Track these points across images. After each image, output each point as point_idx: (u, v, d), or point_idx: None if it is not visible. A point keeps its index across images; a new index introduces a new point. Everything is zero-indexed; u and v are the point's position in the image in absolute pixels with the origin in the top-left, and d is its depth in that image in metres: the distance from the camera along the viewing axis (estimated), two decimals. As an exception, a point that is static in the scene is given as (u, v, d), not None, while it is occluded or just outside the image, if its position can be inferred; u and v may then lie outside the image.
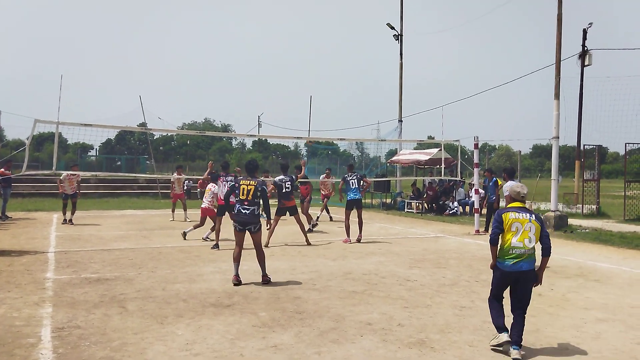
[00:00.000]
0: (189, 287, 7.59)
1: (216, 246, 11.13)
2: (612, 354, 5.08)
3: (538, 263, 5.21)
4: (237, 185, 8.03)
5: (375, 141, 25.91)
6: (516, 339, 4.99)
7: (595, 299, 7.17)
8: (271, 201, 8.81)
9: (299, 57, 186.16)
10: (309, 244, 11.82)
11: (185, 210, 17.27)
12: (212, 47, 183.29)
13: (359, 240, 12.33)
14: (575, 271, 9.08)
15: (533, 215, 5.14)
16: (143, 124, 29.72)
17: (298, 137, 19.24)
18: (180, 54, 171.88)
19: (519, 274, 5.05)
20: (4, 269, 8.77)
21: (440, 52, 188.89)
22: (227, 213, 11.19)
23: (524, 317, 5.10)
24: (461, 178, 19.65)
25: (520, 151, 26.83)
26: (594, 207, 19.40)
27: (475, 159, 15.10)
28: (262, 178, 14.02)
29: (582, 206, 19.56)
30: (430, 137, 43.69)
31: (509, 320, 5.14)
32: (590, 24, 22.73)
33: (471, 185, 17.76)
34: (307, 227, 13.57)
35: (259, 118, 64.95)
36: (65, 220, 15.55)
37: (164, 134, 65.58)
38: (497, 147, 78.53)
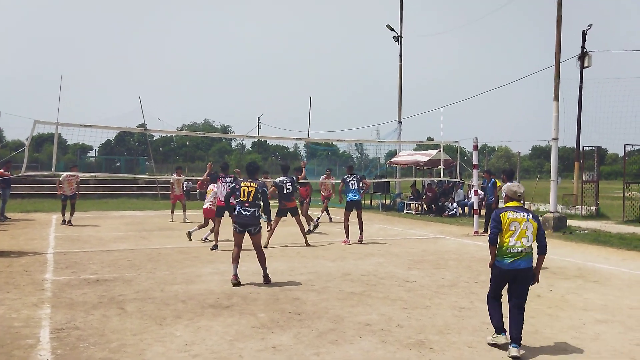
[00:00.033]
0: (188, 288, 7.59)
1: (215, 247, 11.13)
2: (611, 355, 5.08)
3: (534, 263, 5.27)
4: (237, 186, 8.05)
5: (375, 142, 25.93)
6: (515, 336, 5.04)
7: (594, 300, 7.17)
8: (271, 202, 8.82)
9: (299, 58, 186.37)
10: (308, 245, 11.82)
11: (184, 211, 17.26)
12: (211, 47, 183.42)
13: (360, 242, 12.33)
14: (575, 272, 9.08)
15: (530, 215, 5.22)
16: (142, 125, 29.72)
17: (297, 139, 19.32)
18: (180, 55, 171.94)
19: (516, 272, 5.13)
20: (3, 269, 8.76)
21: (440, 53, 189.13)
22: (226, 214, 11.20)
23: (522, 315, 5.15)
24: (460, 179, 19.64)
25: (519, 152, 26.90)
26: (593, 208, 19.41)
27: (475, 160, 15.10)
28: (262, 179, 14.04)
29: (582, 207, 19.58)
30: (429, 139, 43.73)
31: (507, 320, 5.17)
32: (590, 25, 22.73)
33: (470, 186, 17.76)
34: (306, 228, 13.57)
35: (258, 119, 64.88)
36: (64, 221, 15.55)
37: (164, 135, 65.59)
38: (496, 148, 78.68)
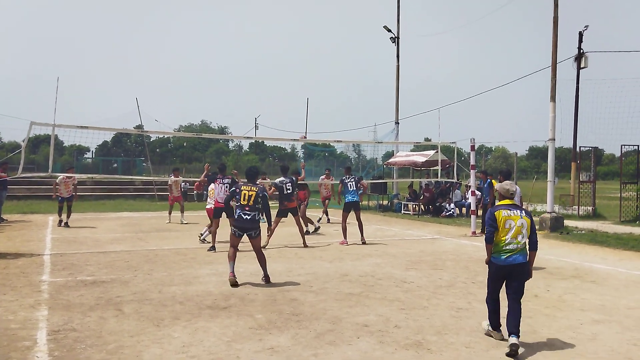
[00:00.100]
0: (185, 289, 7.58)
1: (212, 248, 11.12)
2: (609, 355, 5.09)
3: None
4: (237, 190, 8.08)
5: (372, 143, 25.92)
6: (513, 329, 5.15)
7: (592, 300, 7.19)
8: (271, 202, 8.82)
9: (297, 59, 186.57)
10: (306, 246, 11.82)
11: (182, 212, 17.23)
12: (209, 48, 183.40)
13: (363, 243, 12.32)
14: (572, 272, 9.10)
15: (523, 212, 5.41)
16: (139, 126, 29.68)
17: (295, 140, 19.25)
18: (178, 55, 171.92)
19: (512, 267, 5.29)
20: (0, 271, 8.73)
21: (438, 53, 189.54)
22: (223, 215, 11.19)
23: (520, 307, 5.28)
24: (458, 180, 19.67)
25: (516, 153, 26.80)
26: (590, 208, 19.45)
27: (472, 161, 15.12)
28: (260, 180, 14.05)
29: (578, 208, 19.62)
30: (427, 139, 43.80)
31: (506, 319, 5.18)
32: (586, 26, 22.81)
33: (468, 187, 17.78)
34: (304, 229, 13.56)
35: (255, 120, 64.97)
36: (60, 221, 15.50)
37: (161, 136, 65.56)
38: (493, 149, 78.67)
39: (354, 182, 12.62)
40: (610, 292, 7.64)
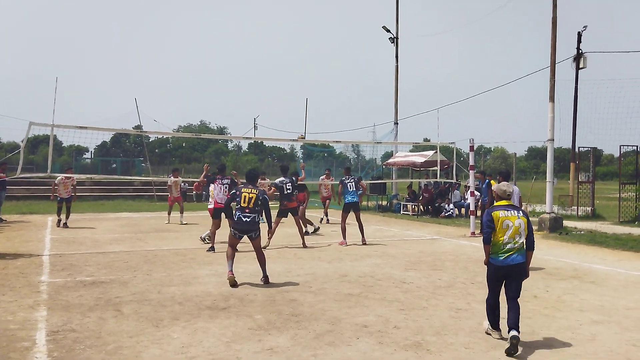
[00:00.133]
0: (185, 290, 7.58)
1: (212, 249, 11.12)
2: (608, 355, 5.09)
3: None
4: (237, 192, 8.09)
5: (371, 143, 25.94)
6: (512, 324, 5.21)
7: (591, 300, 7.19)
8: (271, 203, 8.83)
9: (296, 59, 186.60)
10: (305, 246, 11.82)
11: (181, 213, 17.20)
12: (209, 48, 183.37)
13: (364, 244, 12.32)
14: (571, 273, 9.11)
15: (520, 212, 5.50)
16: (138, 127, 29.68)
17: (294, 140, 19.25)
18: (177, 55, 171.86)
19: (510, 267, 5.35)
20: (-1, 272, 8.73)
21: (437, 54, 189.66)
22: (223, 216, 11.20)
23: (518, 305, 5.35)
24: (457, 180, 19.68)
25: (515, 153, 26.91)
26: (589, 209, 19.46)
27: (471, 161, 15.12)
28: (260, 180, 14.04)
29: (577, 208, 19.63)
30: (426, 140, 43.80)
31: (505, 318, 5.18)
32: (585, 27, 22.83)
33: (467, 187, 17.79)
34: (304, 230, 13.56)
35: (254, 120, 64.90)
36: (59, 221, 15.47)
37: (160, 136, 65.53)
38: (492, 149, 78.75)
39: (353, 183, 12.62)
40: (609, 293, 7.65)
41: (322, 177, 18.36)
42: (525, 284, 5.47)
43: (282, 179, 12.21)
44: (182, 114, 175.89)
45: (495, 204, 5.66)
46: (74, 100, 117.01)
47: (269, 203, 8.34)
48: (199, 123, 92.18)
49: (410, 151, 26.75)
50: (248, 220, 7.96)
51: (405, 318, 6.22)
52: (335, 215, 17.66)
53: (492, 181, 13.86)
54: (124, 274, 8.65)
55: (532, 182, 25.02)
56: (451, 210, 19.92)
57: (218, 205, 11.43)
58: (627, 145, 18.33)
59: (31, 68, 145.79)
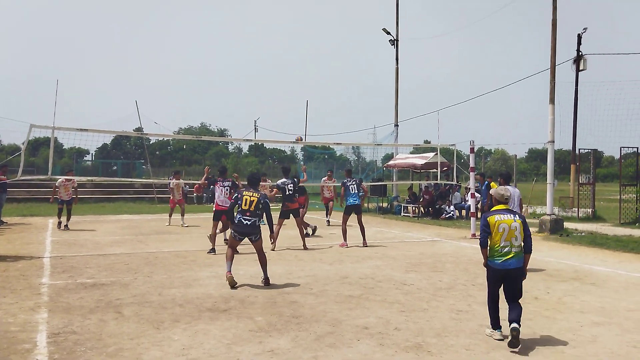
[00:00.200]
0: (185, 292, 7.58)
1: (212, 250, 11.12)
2: (608, 357, 5.09)
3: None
4: (239, 195, 8.14)
5: (372, 145, 25.96)
6: (512, 318, 5.33)
7: (592, 302, 7.19)
8: (272, 205, 8.85)
9: (296, 59, 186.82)
10: (305, 248, 11.82)
11: (182, 215, 17.19)
12: (209, 49, 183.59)
13: (365, 245, 12.31)
14: (571, 275, 9.10)
15: (517, 216, 5.58)
16: (139, 129, 29.70)
17: (294, 142, 19.25)
18: (178, 56, 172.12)
19: (507, 271, 5.47)
20: (0, 274, 8.74)
21: (437, 55, 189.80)
22: (224, 218, 11.22)
23: (519, 304, 5.46)
24: (457, 182, 19.68)
25: (515, 155, 26.88)
26: (589, 210, 19.46)
27: (471, 163, 15.12)
28: (261, 182, 14.04)
29: (578, 210, 19.63)
30: (426, 141, 43.82)
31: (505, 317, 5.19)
32: (585, 29, 22.86)
33: (467, 189, 17.80)
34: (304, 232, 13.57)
35: (255, 122, 65.00)
36: (60, 223, 15.45)
37: (160, 138, 65.58)
38: (492, 151, 78.73)
39: (355, 185, 12.62)
40: (610, 294, 7.64)
41: (324, 179, 18.35)
42: (526, 285, 5.49)
43: (284, 180, 12.23)
44: (183, 116, 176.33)
45: (493, 208, 5.76)
46: (75, 102, 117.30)
47: (271, 212, 8.38)
48: (200, 125, 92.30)
49: (411, 153, 26.76)
50: (249, 223, 8.00)
51: (406, 320, 6.23)
52: (336, 217, 17.66)
53: (492, 183, 13.91)
54: (124, 276, 8.66)
55: (532, 184, 25.05)
56: (452, 212, 19.92)
57: (219, 208, 11.44)
58: (628, 147, 18.32)
59: (31, 69, 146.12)
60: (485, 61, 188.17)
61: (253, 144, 66.34)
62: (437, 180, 20.36)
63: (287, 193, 12.07)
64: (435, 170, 20.20)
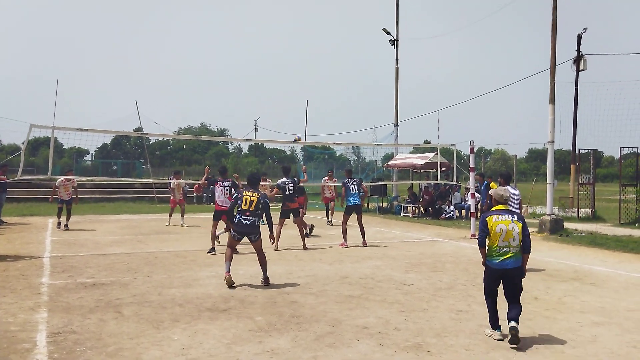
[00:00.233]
0: (185, 291, 7.58)
1: (212, 250, 11.12)
2: (608, 357, 5.09)
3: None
4: (239, 195, 8.16)
5: (372, 145, 25.96)
6: (511, 317, 5.41)
7: (591, 302, 7.19)
8: (273, 204, 8.86)
9: (296, 59, 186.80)
10: (305, 248, 11.82)
11: (182, 215, 17.18)
12: (209, 49, 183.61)
13: (365, 245, 12.31)
14: (571, 275, 9.10)
15: (515, 216, 5.63)
16: (139, 129, 29.69)
17: (294, 142, 19.24)
18: (178, 56, 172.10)
19: (504, 271, 5.52)
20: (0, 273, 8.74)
21: (437, 55, 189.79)
22: (224, 218, 11.22)
23: (519, 303, 5.52)
24: (457, 182, 19.68)
25: (515, 155, 26.88)
26: (589, 210, 19.46)
27: (471, 163, 15.12)
28: (261, 182, 14.04)
29: (578, 210, 19.63)
30: (426, 141, 43.82)
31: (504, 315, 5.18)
32: (585, 29, 22.87)
33: (467, 189, 17.80)
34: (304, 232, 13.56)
35: (255, 122, 64.98)
36: (59, 224, 15.42)
37: (160, 138, 65.58)
38: (492, 151, 78.73)
39: (356, 185, 12.63)
40: (610, 295, 7.65)
41: (324, 179, 18.35)
42: (526, 285, 5.49)
43: (284, 179, 12.24)
44: (183, 116, 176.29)
45: (493, 208, 5.82)
46: (75, 102, 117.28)
47: (271, 212, 8.39)
48: (200, 125, 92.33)
49: (411, 153, 26.75)
50: (248, 223, 8.01)
51: (406, 320, 6.23)
52: (337, 217, 17.67)
53: (492, 183, 13.91)
54: (124, 276, 8.66)
55: (532, 184, 25.05)
56: (451, 212, 19.92)
57: (219, 208, 11.43)
58: (628, 147, 18.33)
59: (31, 69, 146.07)
60: (485, 61, 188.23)
61: (253, 144, 66.36)
62: (437, 180, 20.37)
63: (288, 192, 12.08)
64: (435, 170, 20.21)
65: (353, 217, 12.58)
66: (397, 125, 26.02)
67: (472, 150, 15.19)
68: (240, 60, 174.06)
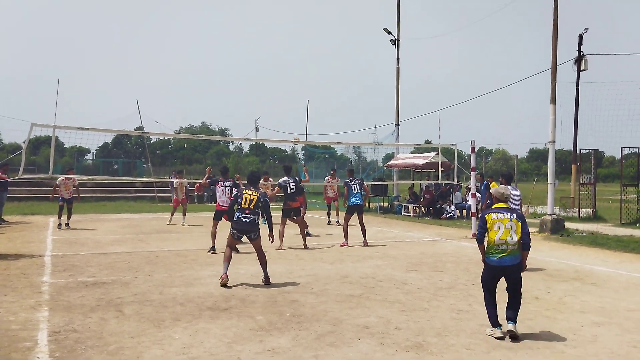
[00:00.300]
0: (186, 290, 7.59)
1: (212, 249, 11.13)
2: (609, 357, 5.09)
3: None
4: (239, 194, 8.18)
5: (372, 145, 25.96)
6: (510, 316, 5.50)
7: (592, 302, 7.19)
8: (273, 204, 8.85)
9: (297, 59, 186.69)
10: (306, 247, 11.83)
11: (184, 214, 17.18)
12: (209, 48, 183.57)
13: (366, 245, 12.32)
14: (572, 275, 9.10)
15: (514, 215, 5.68)
16: (140, 128, 29.71)
17: (292, 142, 19.24)
18: (178, 56, 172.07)
19: (503, 268, 5.59)
20: (0, 272, 8.75)
21: (437, 55, 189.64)
22: (225, 217, 11.23)
23: (519, 297, 5.60)
24: (458, 182, 19.67)
25: (516, 155, 26.84)
26: (590, 210, 19.46)
27: (472, 163, 15.13)
28: (262, 181, 14.06)
29: (579, 210, 19.62)
30: (427, 141, 43.80)
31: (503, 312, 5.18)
32: (586, 29, 22.85)
33: (468, 189, 17.80)
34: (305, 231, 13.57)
35: (256, 122, 65.05)
36: (60, 224, 15.36)
37: (161, 137, 65.63)
38: (493, 151, 78.70)
39: (358, 185, 12.64)
40: (611, 295, 7.65)
41: (327, 178, 18.35)
42: (526, 285, 5.50)
43: (285, 178, 12.26)
44: (183, 115, 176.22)
45: (493, 206, 5.87)
46: (75, 102, 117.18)
47: (271, 211, 8.40)
48: (200, 124, 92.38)
49: (412, 153, 26.75)
50: (248, 220, 8.02)
51: (407, 319, 6.23)
52: (340, 217, 17.67)
53: (493, 183, 13.91)
54: (125, 275, 8.67)
55: (533, 184, 25.04)
56: (452, 212, 19.92)
57: (220, 208, 11.45)
58: (629, 147, 18.33)
59: (32, 68, 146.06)
60: (486, 61, 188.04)
61: (254, 143, 66.40)
62: (437, 180, 20.37)
63: (289, 191, 12.09)
64: (434, 170, 20.20)
65: (354, 217, 12.61)
66: (398, 125, 26.02)
67: (473, 150, 15.19)
68: (241, 60, 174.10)
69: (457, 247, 12.46)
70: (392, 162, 24.56)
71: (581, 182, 19.82)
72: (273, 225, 8.54)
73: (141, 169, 42.71)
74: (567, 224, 16.04)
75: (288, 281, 8.29)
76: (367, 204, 24.19)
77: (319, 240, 13.48)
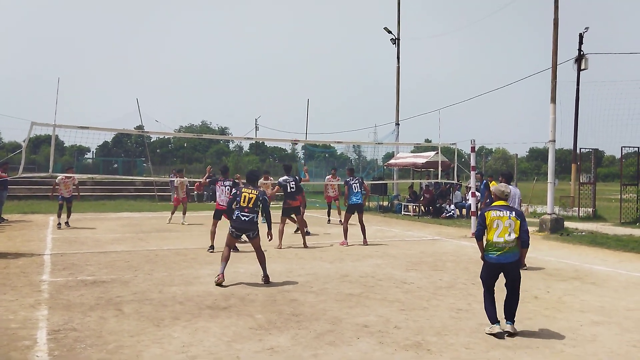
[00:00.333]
0: (186, 289, 7.59)
1: (211, 248, 11.13)
2: (608, 356, 5.09)
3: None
4: (238, 192, 8.16)
5: (372, 144, 25.93)
6: (509, 315, 5.55)
7: (591, 301, 7.19)
8: (273, 203, 8.86)
9: (297, 59, 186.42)
10: (306, 246, 11.83)
11: (184, 213, 17.17)
12: (209, 48, 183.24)
13: (366, 244, 12.32)
14: (572, 274, 9.10)
15: (513, 212, 5.72)
16: (140, 127, 29.69)
17: (291, 141, 19.24)
18: (178, 55, 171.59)
19: (501, 266, 5.64)
20: (0, 271, 8.75)
21: (437, 55, 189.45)
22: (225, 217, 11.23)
23: (517, 296, 5.65)
24: (458, 181, 19.67)
25: (516, 154, 26.83)
26: (590, 210, 19.45)
27: (472, 162, 15.13)
28: (262, 180, 14.08)
29: (579, 209, 19.62)
30: (427, 140, 43.79)
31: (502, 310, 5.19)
32: (587, 28, 22.83)
33: (468, 188, 17.79)
34: (305, 230, 13.56)
35: (256, 121, 64.99)
36: (59, 224, 15.34)
37: (161, 136, 65.61)
38: (493, 150, 78.70)
39: (358, 184, 12.64)
40: (610, 294, 7.65)
41: (328, 177, 18.34)
42: (526, 284, 5.51)
43: (285, 177, 12.26)
44: (183, 114, 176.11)
45: (492, 204, 5.92)
46: (75, 101, 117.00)
47: (270, 210, 8.39)
48: (200, 123, 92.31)
49: (412, 152, 26.75)
50: (246, 219, 8.01)
51: (406, 318, 6.23)
52: (336, 216, 17.67)
53: (493, 182, 13.91)
54: (125, 274, 8.67)
55: (533, 183, 25.03)
56: (452, 211, 19.92)
57: (219, 207, 11.45)
58: (629, 147, 18.31)
59: (32, 68, 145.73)
60: (485, 60, 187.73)
61: (254, 142, 66.36)
62: (437, 179, 20.37)
63: (289, 190, 12.09)
64: (434, 169, 20.19)
65: (354, 216, 12.61)
66: (398, 124, 26.01)
67: (473, 149, 15.19)
68: (240, 60, 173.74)
69: (456, 246, 12.46)
70: (392, 161, 24.55)
71: (581, 181, 19.81)
72: (272, 224, 8.54)
73: (141, 168, 42.66)
74: (567, 223, 16.04)
75: (287, 280, 8.30)
76: (367, 203, 24.22)
77: (319, 239, 13.48)
